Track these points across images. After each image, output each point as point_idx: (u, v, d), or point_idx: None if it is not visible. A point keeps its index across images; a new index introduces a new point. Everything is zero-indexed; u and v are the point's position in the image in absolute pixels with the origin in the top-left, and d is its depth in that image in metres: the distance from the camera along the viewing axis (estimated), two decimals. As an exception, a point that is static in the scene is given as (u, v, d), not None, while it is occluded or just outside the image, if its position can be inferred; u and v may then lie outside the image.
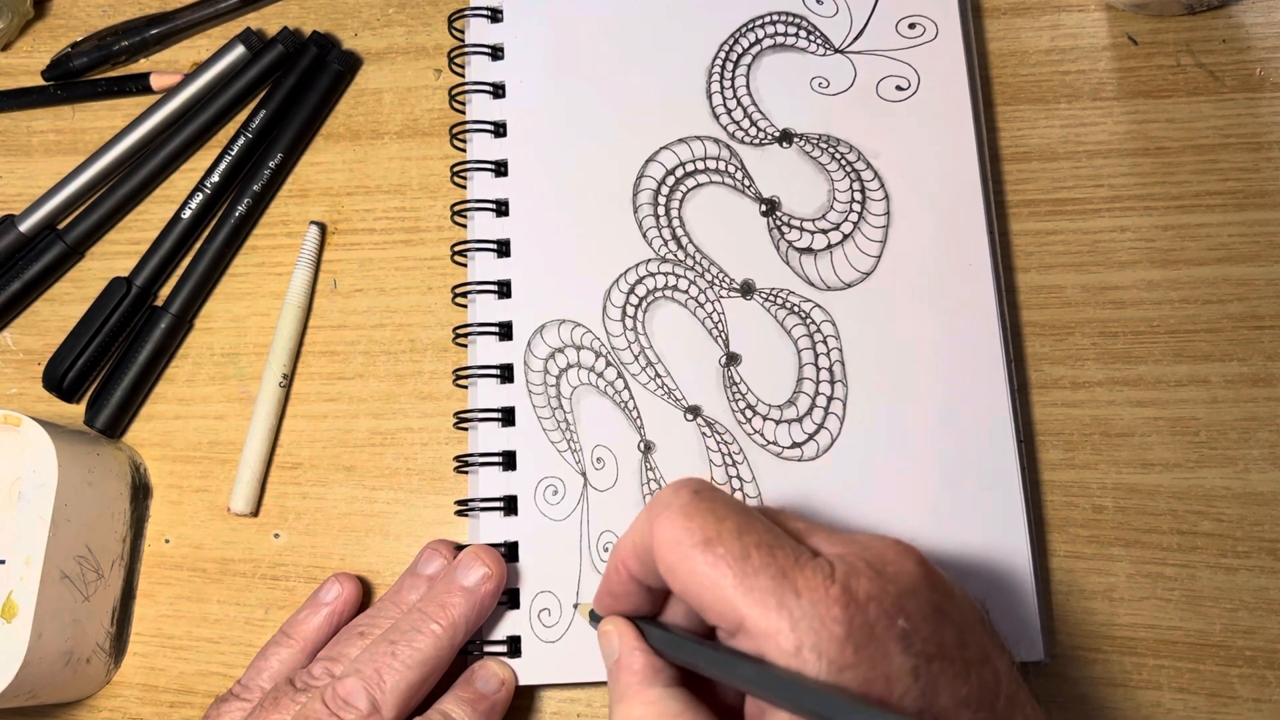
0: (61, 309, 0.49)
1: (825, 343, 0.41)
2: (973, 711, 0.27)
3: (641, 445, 0.41)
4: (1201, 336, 0.41)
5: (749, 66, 0.45)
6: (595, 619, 0.33)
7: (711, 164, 0.44)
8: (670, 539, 0.28)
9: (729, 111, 0.44)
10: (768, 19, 0.45)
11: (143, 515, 0.46)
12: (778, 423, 0.41)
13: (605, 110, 0.45)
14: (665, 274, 0.43)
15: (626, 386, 0.42)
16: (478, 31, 0.47)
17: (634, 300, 0.43)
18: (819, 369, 0.41)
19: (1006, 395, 0.40)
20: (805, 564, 0.27)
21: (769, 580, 0.27)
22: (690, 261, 0.43)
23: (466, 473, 0.43)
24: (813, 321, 0.42)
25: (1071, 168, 0.43)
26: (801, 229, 0.43)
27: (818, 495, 0.40)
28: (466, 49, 0.47)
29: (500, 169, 0.45)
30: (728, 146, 0.44)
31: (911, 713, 0.25)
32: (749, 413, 0.41)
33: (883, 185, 0.43)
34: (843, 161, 0.43)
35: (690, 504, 0.29)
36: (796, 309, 0.42)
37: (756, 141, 0.44)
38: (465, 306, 0.45)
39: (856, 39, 0.44)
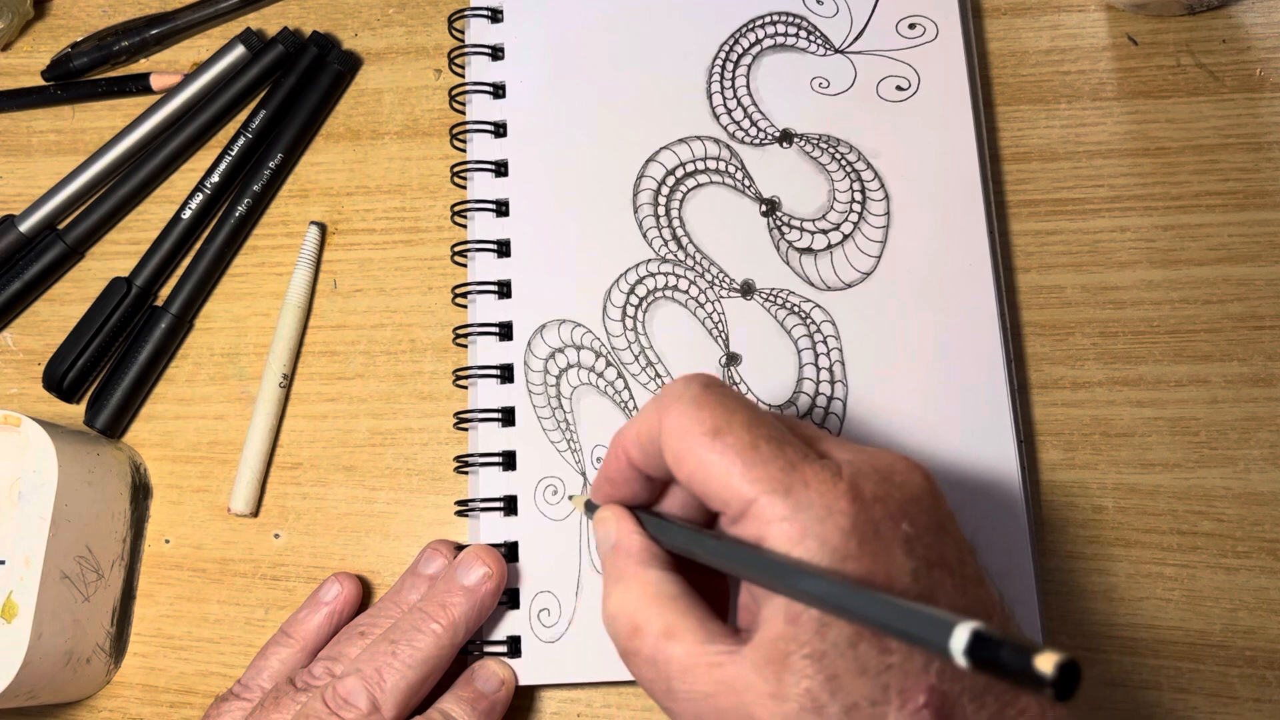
0: (61, 309, 0.49)
1: (825, 343, 0.41)
2: None
3: (641, 445, 0.41)
4: (1201, 336, 0.41)
5: (749, 66, 0.45)
6: (591, 509, 0.34)
7: (711, 164, 0.44)
8: (679, 427, 0.28)
9: (729, 111, 0.44)
10: (768, 19, 0.45)
11: (143, 515, 0.46)
12: (778, 423, 0.41)
13: (605, 110, 0.45)
14: (665, 274, 0.43)
15: (627, 386, 0.42)
16: (478, 32, 0.47)
17: (634, 300, 0.43)
18: (819, 369, 0.41)
19: (1006, 395, 0.40)
20: (814, 460, 0.27)
21: (777, 470, 0.27)
22: (690, 261, 0.43)
23: (466, 473, 0.43)
24: (813, 321, 0.42)
25: (1071, 168, 0.43)
26: (801, 229, 0.43)
27: (818, 495, 0.40)
28: (466, 49, 0.47)
29: (500, 169, 0.45)
30: (728, 146, 0.44)
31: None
32: (749, 413, 0.41)
33: (883, 185, 0.43)
34: (843, 161, 0.43)
35: (701, 395, 0.29)
36: (796, 309, 0.42)
37: (757, 141, 0.44)
38: (465, 306, 0.45)
39: (857, 39, 0.44)
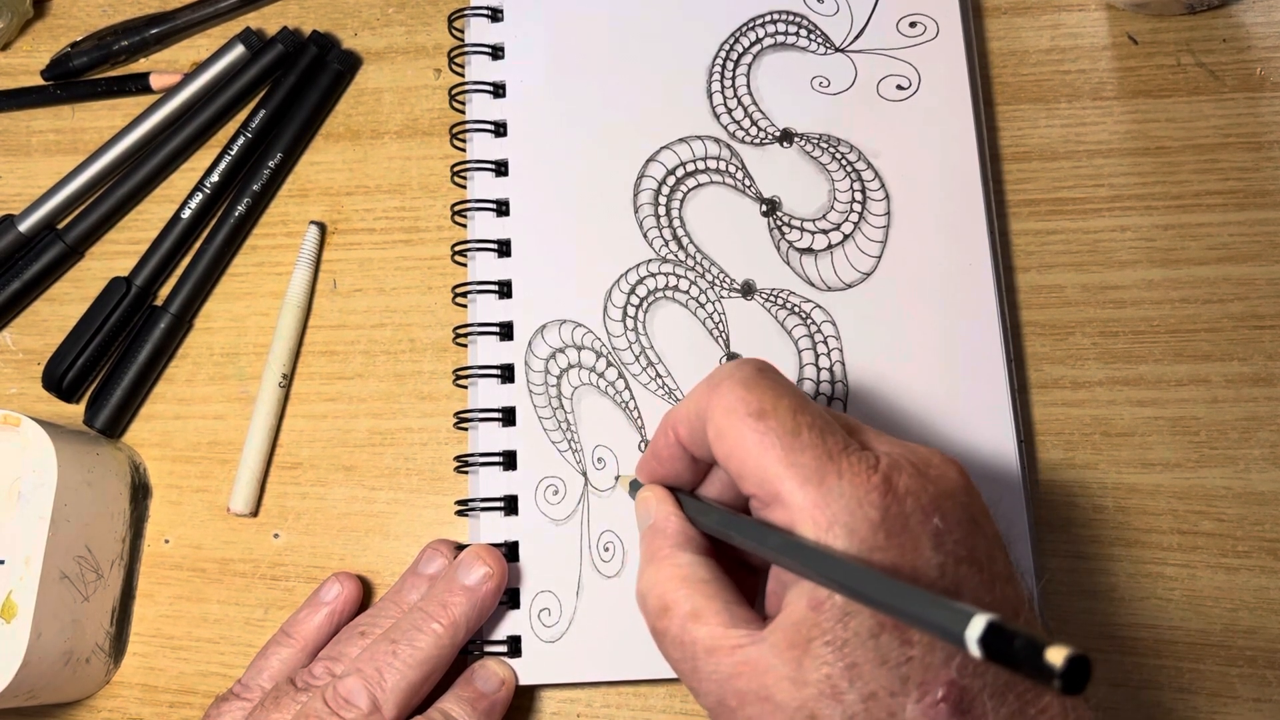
0: (61, 309, 0.49)
1: (825, 343, 0.41)
2: None
3: (642, 445, 0.41)
4: (1202, 336, 0.41)
5: (749, 66, 0.45)
6: (635, 488, 0.34)
7: (712, 164, 0.44)
8: (725, 405, 0.29)
9: (729, 111, 0.44)
10: (768, 18, 0.45)
11: (142, 515, 0.46)
12: (778, 422, 0.41)
13: (605, 110, 0.45)
14: (666, 274, 0.43)
15: (627, 386, 0.42)
16: (478, 31, 0.47)
17: (635, 300, 0.43)
18: (819, 369, 0.41)
19: (1006, 395, 0.40)
20: (852, 452, 0.28)
21: (814, 459, 0.27)
22: (691, 262, 0.43)
23: (466, 473, 0.43)
24: (813, 322, 0.42)
25: (1072, 167, 0.43)
26: (802, 229, 0.43)
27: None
28: (466, 49, 0.47)
29: (500, 169, 0.45)
30: (728, 146, 0.44)
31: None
32: (749, 412, 0.41)
33: (883, 185, 0.43)
34: (843, 161, 0.43)
35: (752, 378, 0.29)
36: (797, 309, 0.42)
37: (757, 141, 0.44)
38: (465, 306, 0.45)
39: (857, 38, 0.44)
